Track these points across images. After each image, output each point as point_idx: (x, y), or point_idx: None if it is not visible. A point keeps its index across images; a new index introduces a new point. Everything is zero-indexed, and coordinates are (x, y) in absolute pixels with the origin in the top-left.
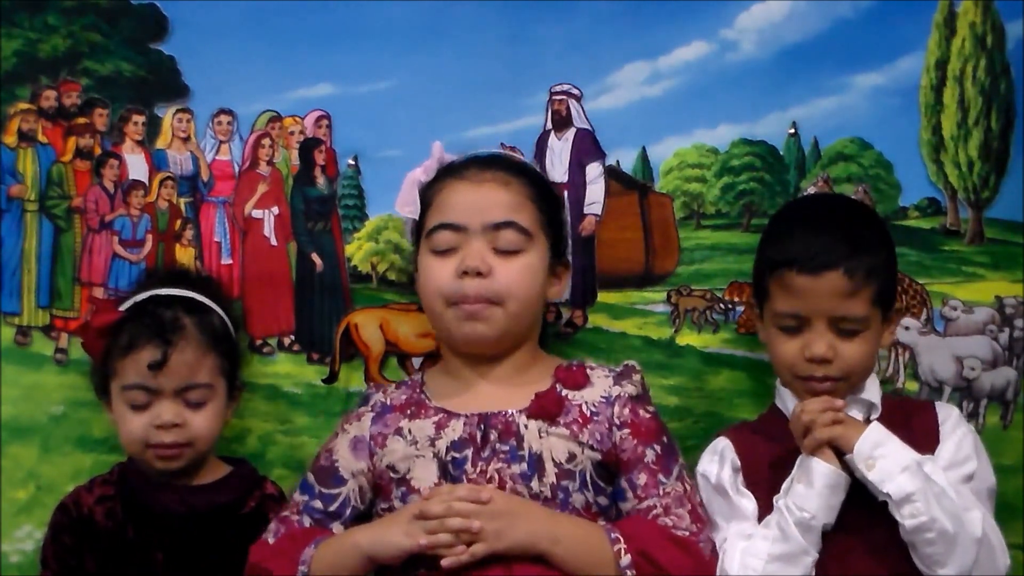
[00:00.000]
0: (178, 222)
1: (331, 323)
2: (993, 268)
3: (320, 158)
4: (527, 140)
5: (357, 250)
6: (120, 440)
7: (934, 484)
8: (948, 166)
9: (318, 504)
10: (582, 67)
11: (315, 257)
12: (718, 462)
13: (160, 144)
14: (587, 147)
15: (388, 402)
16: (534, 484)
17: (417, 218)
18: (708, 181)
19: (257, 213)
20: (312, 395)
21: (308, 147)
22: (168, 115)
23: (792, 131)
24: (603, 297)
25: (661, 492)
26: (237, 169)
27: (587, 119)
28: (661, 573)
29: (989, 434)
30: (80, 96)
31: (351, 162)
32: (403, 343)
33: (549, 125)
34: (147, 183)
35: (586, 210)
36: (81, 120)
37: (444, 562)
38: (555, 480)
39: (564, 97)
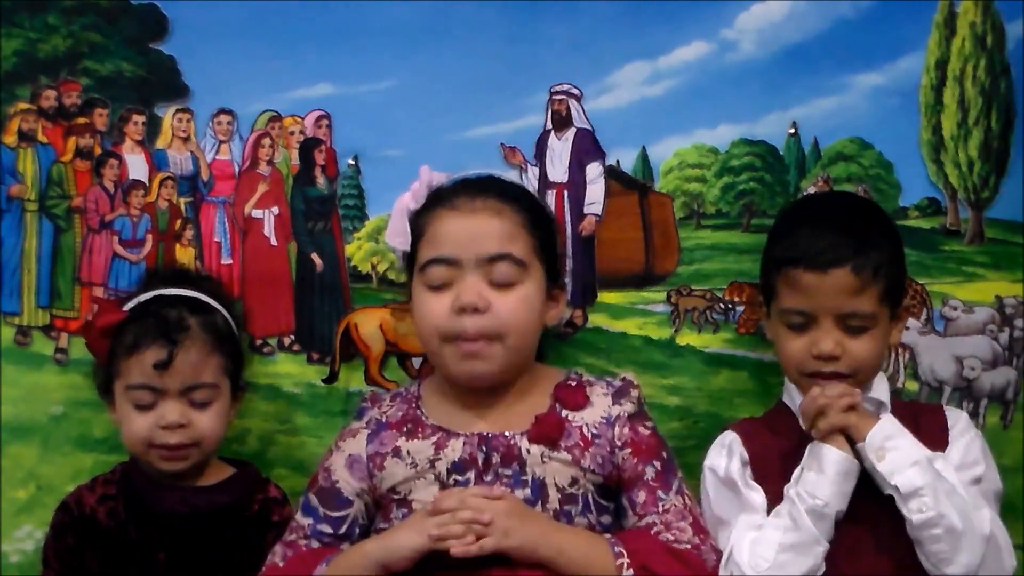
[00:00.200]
0: (178, 222)
1: (331, 323)
2: (993, 268)
3: (320, 158)
4: (527, 140)
5: (357, 250)
6: (123, 440)
7: (944, 481)
8: (948, 166)
9: (326, 528)
10: (582, 67)
11: (315, 257)
12: (726, 455)
13: (160, 144)
14: (587, 147)
15: (383, 418)
16: (537, 509)
17: (408, 249)
18: (708, 181)
19: (257, 213)
20: (312, 395)
21: (308, 147)
22: (168, 115)
23: (792, 131)
24: (603, 297)
25: (660, 508)
26: (237, 169)
27: (587, 119)
28: None
29: (989, 434)
30: (80, 96)
31: (351, 162)
32: (403, 343)
33: (549, 125)
34: (147, 183)
35: (586, 210)
36: (81, 120)
37: (454, 550)
38: (558, 506)
39: (564, 97)
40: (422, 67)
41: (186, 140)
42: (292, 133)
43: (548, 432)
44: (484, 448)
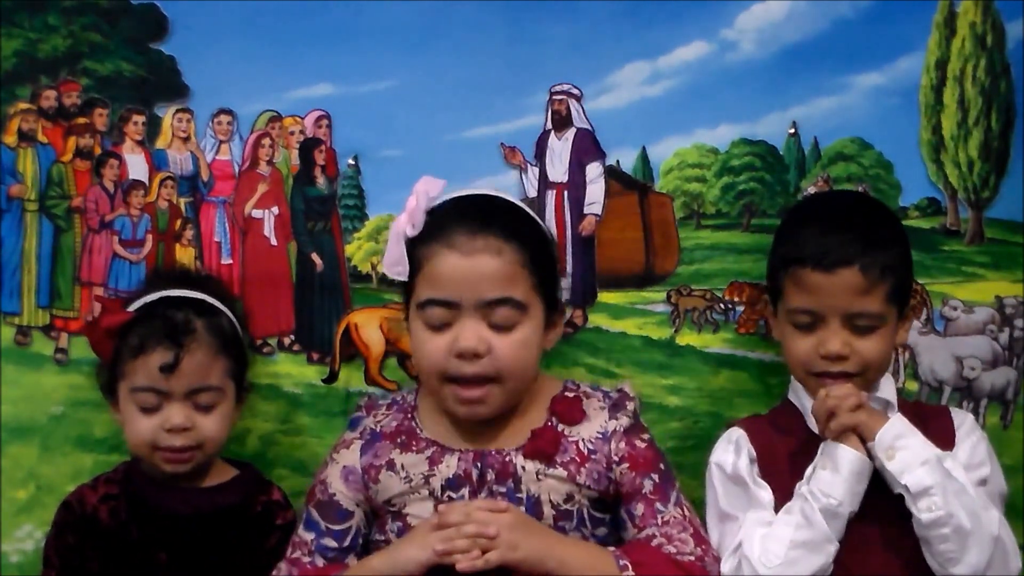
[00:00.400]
0: (178, 222)
1: (331, 323)
2: (993, 268)
3: (320, 158)
4: (527, 140)
5: (357, 250)
6: (127, 441)
7: (953, 480)
8: (948, 166)
9: (330, 542)
10: (582, 67)
11: (315, 257)
12: (734, 452)
13: (160, 144)
14: (587, 147)
15: (378, 428)
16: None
17: (406, 279)
18: (708, 181)
19: (257, 213)
20: (312, 395)
21: (308, 147)
22: (168, 115)
23: (792, 131)
24: (603, 297)
25: (660, 521)
26: (237, 169)
27: (587, 119)
28: None
29: (989, 434)
30: (80, 96)
31: (351, 162)
32: (403, 343)
33: (549, 125)
34: (147, 183)
35: (586, 210)
36: (81, 120)
37: (460, 565)
38: (552, 522)
39: (564, 97)
40: (422, 67)
41: (186, 140)
42: (292, 133)
43: (544, 447)
44: (479, 465)
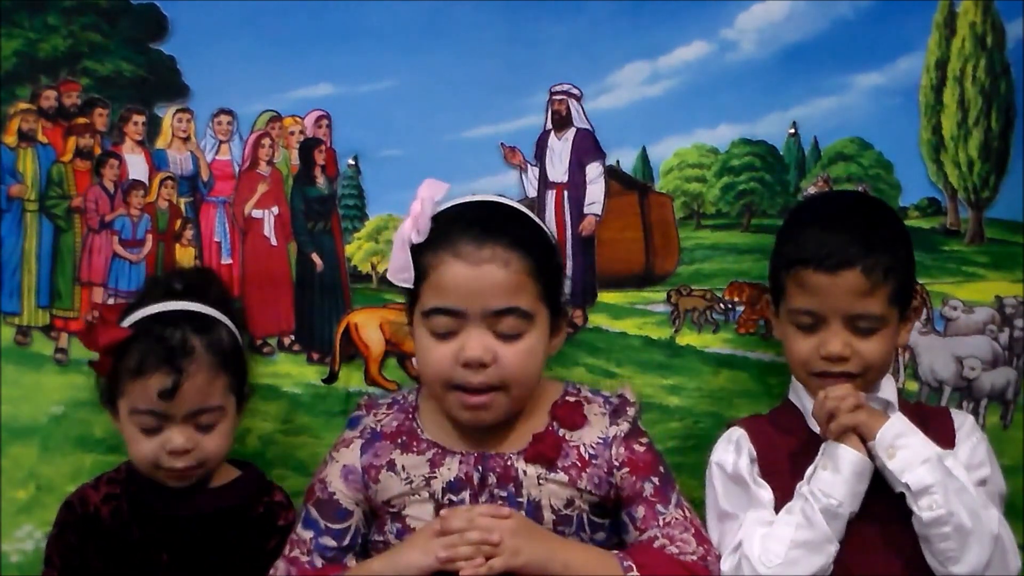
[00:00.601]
0: (178, 222)
1: (331, 323)
2: (993, 268)
3: (320, 158)
4: (527, 140)
5: (357, 250)
6: (130, 457)
7: (954, 479)
8: (948, 166)
9: (329, 541)
10: (582, 67)
11: (315, 257)
12: (734, 451)
13: (160, 144)
14: (587, 147)
15: (378, 428)
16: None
17: (412, 286)
18: (708, 181)
19: (257, 213)
20: (312, 395)
21: (308, 147)
22: (168, 115)
23: (792, 131)
24: (603, 297)
25: (661, 522)
26: (237, 169)
27: (587, 119)
28: None
29: (989, 434)
30: (80, 96)
31: (351, 162)
32: (403, 343)
33: (549, 125)
34: (147, 183)
35: (586, 210)
36: (81, 120)
37: (463, 573)
38: (552, 527)
39: (564, 97)
40: (422, 67)
41: (186, 140)
42: (292, 133)
43: (545, 452)
44: (480, 468)
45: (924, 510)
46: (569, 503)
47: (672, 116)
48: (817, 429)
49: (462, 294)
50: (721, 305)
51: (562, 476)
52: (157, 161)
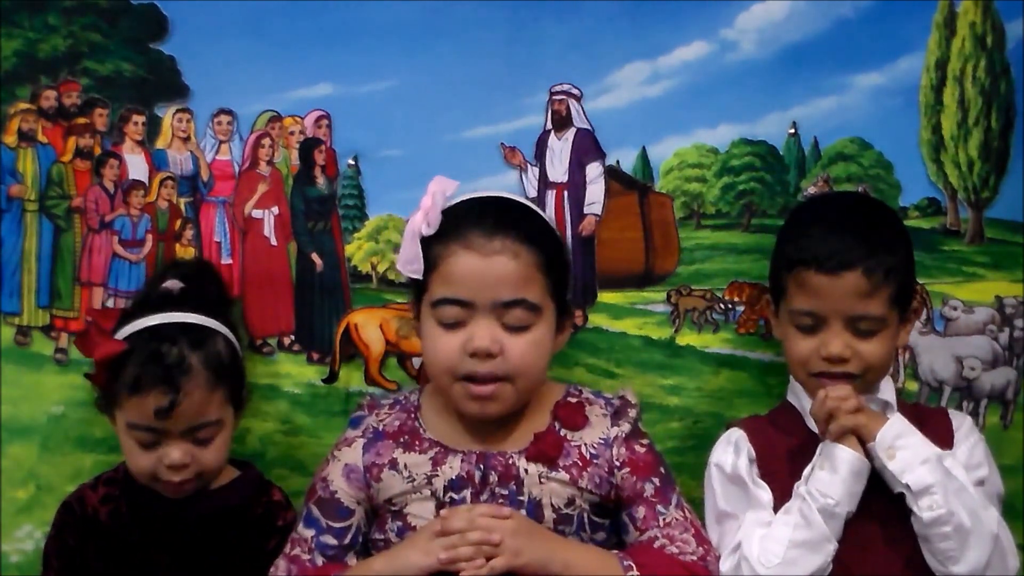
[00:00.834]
0: (178, 222)
1: (331, 323)
2: (993, 268)
3: (320, 158)
4: (527, 140)
5: (357, 250)
6: (127, 465)
7: (954, 479)
8: (948, 166)
9: (330, 540)
10: (582, 67)
11: (315, 257)
12: (733, 452)
13: (160, 144)
14: (587, 147)
15: (380, 427)
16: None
17: (420, 277)
18: (708, 181)
19: (257, 213)
20: (312, 395)
21: (308, 147)
22: (168, 115)
23: (792, 131)
24: (603, 297)
25: (661, 523)
26: (237, 169)
27: (587, 119)
28: None
29: (989, 434)
30: (80, 96)
31: (351, 162)
32: (403, 343)
33: (549, 125)
34: (147, 183)
35: (586, 210)
36: (81, 120)
37: (464, 574)
38: (552, 525)
39: (564, 97)
40: (422, 67)
41: (186, 140)
42: (292, 133)
43: (547, 451)
44: (482, 467)
45: (924, 510)
46: (570, 502)
47: (672, 116)
48: (816, 429)
49: (471, 285)
50: (721, 305)
51: (563, 475)
52: (157, 161)
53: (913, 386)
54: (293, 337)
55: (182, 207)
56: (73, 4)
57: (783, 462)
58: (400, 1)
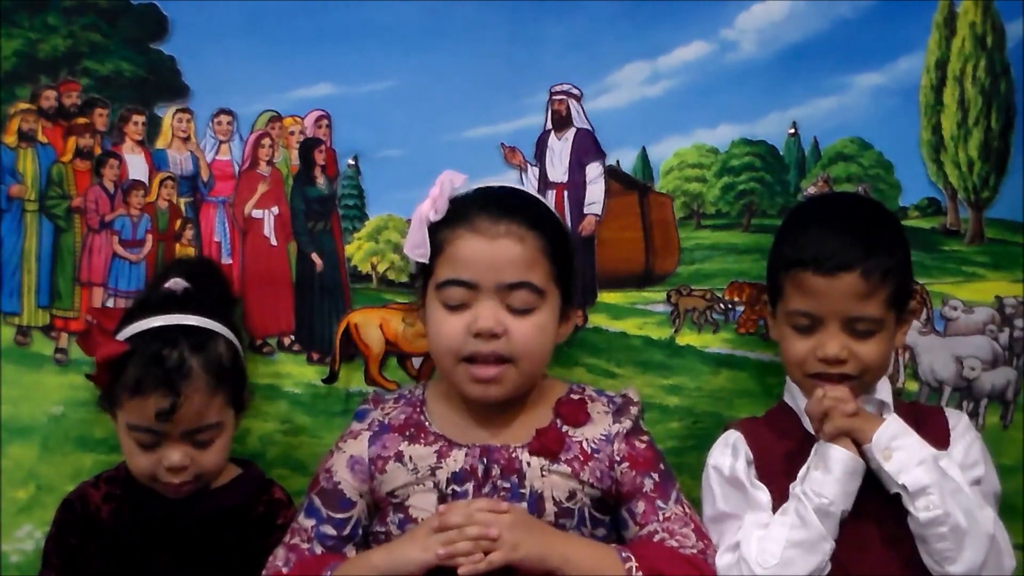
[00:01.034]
0: (178, 222)
1: (331, 323)
2: (993, 268)
3: (320, 158)
4: (527, 140)
5: (357, 250)
6: (127, 464)
7: (950, 479)
8: (948, 166)
9: (329, 530)
10: (582, 67)
11: (315, 257)
12: (731, 454)
13: (160, 144)
14: (587, 147)
15: (386, 421)
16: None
17: (427, 261)
18: (708, 181)
19: (257, 213)
20: (312, 395)
21: (308, 147)
22: (168, 115)
23: (792, 131)
24: (603, 297)
25: (661, 517)
26: (237, 169)
27: (587, 119)
28: None
29: (989, 434)
30: (80, 96)
31: (351, 162)
32: (403, 343)
33: (549, 125)
34: (147, 183)
35: (586, 210)
36: (81, 120)
37: (462, 570)
38: (554, 519)
39: (564, 97)
40: (422, 67)
41: (186, 140)
42: (292, 133)
43: (549, 445)
44: (485, 460)
45: (920, 511)
46: (571, 496)
47: (672, 116)
48: (812, 429)
49: (477, 267)
50: (721, 305)
51: (565, 468)
52: (157, 161)
53: (913, 386)
54: (293, 337)
55: (182, 207)
56: (73, 4)
57: (781, 463)
58: (400, 1)
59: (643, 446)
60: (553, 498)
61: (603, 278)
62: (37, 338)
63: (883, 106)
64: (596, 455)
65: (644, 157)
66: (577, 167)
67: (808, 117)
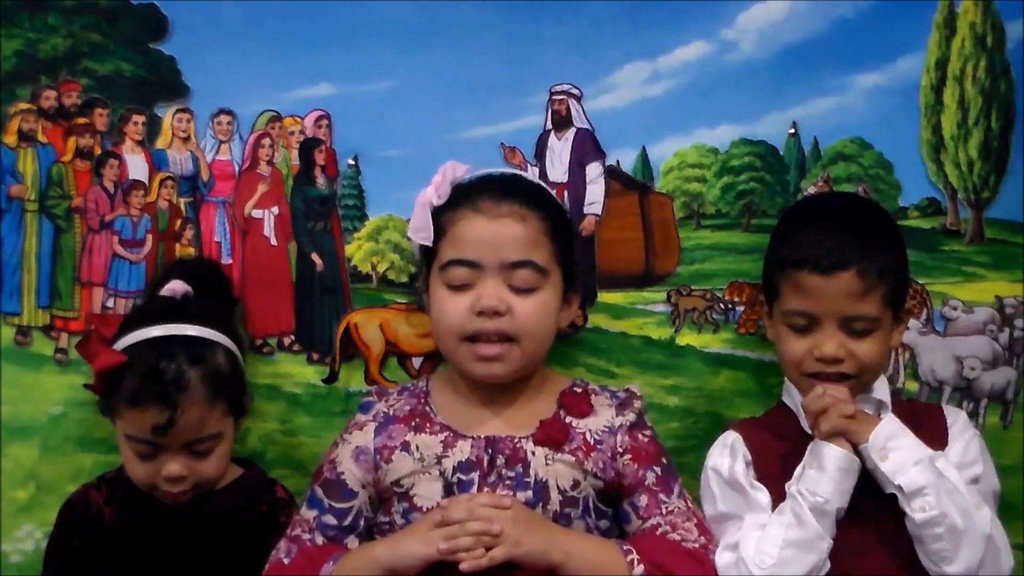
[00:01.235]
0: (178, 222)
1: (331, 323)
2: (993, 268)
3: (320, 158)
4: (527, 140)
5: (357, 250)
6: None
7: (946, 480)
8: (948, 166)
9: (331, 520)
10: (582, 67)
11: (315, 257)
12: (730, 455)
13: (160, 144)
14: (587, 147)
15: (391, 412)
16: (538, 511)
17: (430, 244)
18: (708, 181)
19: (257, 213)
20: (312, 395)
21: (308, 147)
22: (168, 115)
23: (792, 131)
24: (603, 297)
25: (664, 511)
26: (237, 169)
27: (587, 119)
28: None
29: (989, 434)
30: (80, 96)
31: (351, 162)
32: (403, 343)
33: (549, 125)
34: (147, 183)
35: (586, 210)
36: (81, 120)
37: (463, 565)
38: (559, 508)
39: (564, 97)
40: (422, 67)
41: (186, 140)
42: (292, 133)
43: (553, 435)
44: (490, 451)
45: (917, 511)
46: (575, 485)
47: (672, 116)
48: (808, 426)
49: (480, 246)
50: (721, 305)
51: (569, 457)
52: (157, 161)
53: (913, 386)
54: (293, 337)
55: (182, 207)
56: (73, 4)
57: (779, 464)
58: (400, 1)
59: (646, 440)
60: (558, 486)
61: (603, 278)
62: (37, 338)
63: (883, 106)
64: (599, 446)
65: (644, 157)
66: (577, 167)
67: (808, 117)
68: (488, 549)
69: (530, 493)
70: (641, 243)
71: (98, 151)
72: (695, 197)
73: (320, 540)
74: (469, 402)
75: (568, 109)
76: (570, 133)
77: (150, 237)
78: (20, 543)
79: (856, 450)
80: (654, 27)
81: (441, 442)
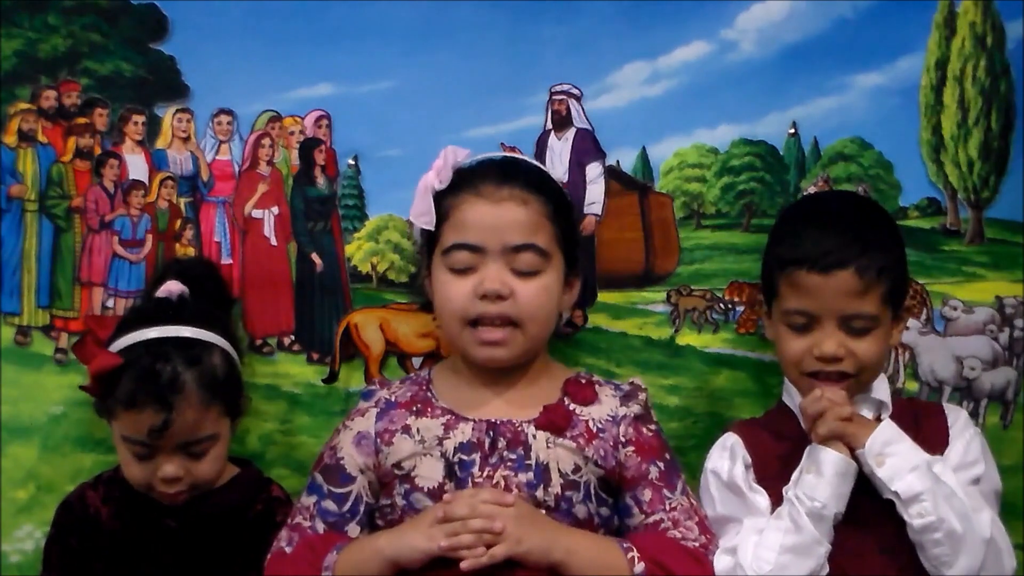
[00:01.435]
0: (178, 222)
1: (331, 323)
2: (993, 268)
3: (320, 158)
4: (527, 140)
5: (357, 250)
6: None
7: (943, 485)
8: (948, 166)
9: (331, 505)
10: (582, 67)
11: (315, 257)
12: (729, 458)
13: (160, 144)
14: (587, 147)
15: (392, 398)
16: (539, 493)
17: (432, 228)
18: (708, 181)
19: (257, 213)
20: (312, 395)
21: (308, 147)
22: (168, 115)
23: (792, 131)
24: (603, 297)
25: (668, 507)
26: (237, 169)
27: (587, 119)
28: None
29: (989, 434)
30: (80, 96)
31: (351, 162)
32: (403, 343)
33: (549, 125)
34: (147, 183)
35: (586, 210)
36: (81, 120)
37: (463, 565)
38: (560, 491)
39: (564, 97)
40: (422, 67)
41: (186, 140)
42: (292, 133)
43: (555, 420)
44: (491, 433)
45: (914, 517)
46: (577, 469)
47: (672, 116)
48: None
49: (482, 230)
50: (721, 305)
51: (570, 442)
52: (157, 161)
53: (913, 386)
54: (293, 337)
55: (182, 207)
56: (73, 4)
57: (779, 466)
58: (400, 1)
59: (651, 434)
60: (559, 470)
61: (603, 278)
62: (37, 338)
63: (883, 106)
64: (601, 434)
65: (644, 157)
66: (577, 167)
67: (808, 117)
68: (490, 547)
69: (531, 475)
70: (641, 243)
71: (98, 151)
72: (695, 197)
73: (321, 527)
74: (471, 385)
75: (568, 109)
76: (570, 133)
77: (150, 237)
78: (20, 543)
79: (853, 454)
80: (654, 27)
81: (442, 424)
